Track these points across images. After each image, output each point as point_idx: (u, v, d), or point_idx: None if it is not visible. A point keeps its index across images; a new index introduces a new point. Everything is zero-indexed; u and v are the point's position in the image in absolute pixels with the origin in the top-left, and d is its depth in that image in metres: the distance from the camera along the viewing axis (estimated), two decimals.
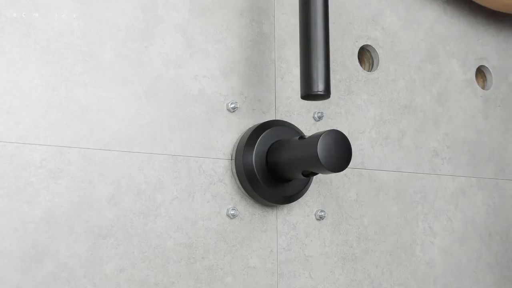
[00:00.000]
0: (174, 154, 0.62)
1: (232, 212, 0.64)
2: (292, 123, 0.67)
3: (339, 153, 0.58)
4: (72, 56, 0.58)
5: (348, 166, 0.58)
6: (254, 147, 0.63)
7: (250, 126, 0.66)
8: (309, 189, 0.67)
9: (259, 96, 0.67)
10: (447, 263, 0.78)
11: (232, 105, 0.65)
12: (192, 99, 0.63)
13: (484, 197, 0.82)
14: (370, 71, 0.76)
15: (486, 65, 0.85)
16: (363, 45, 0.76)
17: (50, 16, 0.58)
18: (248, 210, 0.65)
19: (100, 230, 0.57)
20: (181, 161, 0.62)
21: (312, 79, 0.57)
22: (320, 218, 0.69)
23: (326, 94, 0.56)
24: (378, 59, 0.76)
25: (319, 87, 0.57)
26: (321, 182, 0.69)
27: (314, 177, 0.68)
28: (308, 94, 0.57)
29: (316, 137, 0.57)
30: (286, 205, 0.67)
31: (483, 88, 0.85)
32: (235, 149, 0.64)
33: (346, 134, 0.59)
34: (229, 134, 0.65)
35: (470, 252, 0.80)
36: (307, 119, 0.69)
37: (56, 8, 0.58)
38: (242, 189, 0.64)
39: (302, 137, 0.61)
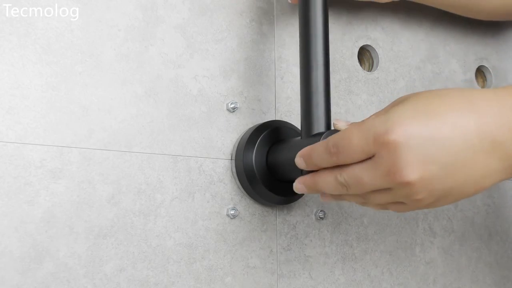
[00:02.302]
0: (174, 154, 0.62)
1: (232, 212, 0.64)
2: (292, 123, 0.67)
3: None
4: (72, 56, 0.58)
5: None
6: (254, 147, 0.63)
7: (250, 126, 0.66)
8: None
9: (259, 96, 0.67)
10: (447, 263, 0.78)
11: (232, 105, 0.65)
12: (192, 99, 0.63)
13: (484, 197, 0.82)
14: (370, 71, 0.76)
15: (486, 65, 0.85)
16: (363, 45, 0.76)
17: (50, 16, 0.58)
18: (248, 210, 0.65)
19: (100, 230, 0.57)
20: (181, 161, 0.62)
21: (312, 121, 0.58)
22: (320, 218, 0.69)
23: None
24: (378, 59, 0.76)
25: (320, 129, 0.58)
26: None
27: None
28: (308, 137, 0.59)
29: (316, 137, 0.57)
30: (286, 205, 0.67)
31: (483, 88, 0.85)
32: (235, 149, 0.64)
33: None
34: (229, 134, 0.65)
35: (470, 252, 0.80)
36: None
37: (56, 8, 0.58)
38: (242, 189, 0.64)
39: (301, 137, 0.61)
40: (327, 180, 0.54)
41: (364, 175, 0.51)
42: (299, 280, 0.67)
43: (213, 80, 0.65)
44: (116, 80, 0.60)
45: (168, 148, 0.61)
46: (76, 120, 0.57)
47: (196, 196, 0.62)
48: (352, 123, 0.54)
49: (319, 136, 0.57)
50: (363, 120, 0.52)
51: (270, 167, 0.63)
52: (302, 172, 0.61)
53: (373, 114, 0.52)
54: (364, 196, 0.53)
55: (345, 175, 0.52)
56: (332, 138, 0.52)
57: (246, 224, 0.65)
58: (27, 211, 0.54)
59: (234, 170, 0.64)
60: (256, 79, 0.67)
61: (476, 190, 0.51)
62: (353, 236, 0.71)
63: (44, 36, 0.57)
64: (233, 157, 0.64)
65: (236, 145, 0.64)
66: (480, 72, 0.85)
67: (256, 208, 0.66)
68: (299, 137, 0.61)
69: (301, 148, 0.59)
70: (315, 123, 0.58)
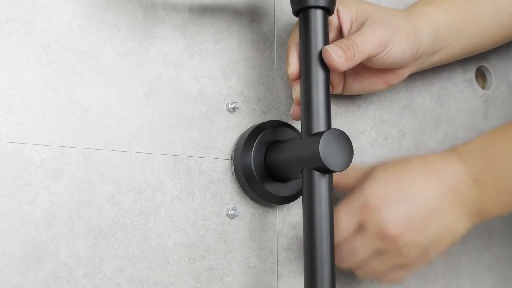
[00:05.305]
0: (174, 154, 0.62)
1: (232, 212, 0.64)
2: (293, 123, 0.67)
3: (340, 152, 0.58)
4: (72, 56, 0.58)
5: (348, 166, 0.58)
6: (252, 147, 0.63)
7: (250, 126, 0.66)
8: None
9: (259, 96, 0.67)
10: (447, 263, 0.78)
11: (232, 105, 0.65)
12: (192, 99, 0.63)
13: None
14: None
15: (486, 65, 0.85)
16: None
17: (50, 16, 0.58)
18: (248, 210, 0.65)
19: (100, 230, 0.57)
20: (181, 161, 0.62)
21: (312, 121, 0.58)
22: None
23: None
24: None
25: (320, 129, 0.58)
26: None
27: None
28: (308, 136, 0.59)
29: (317, 136, 0.57)
30: (286, 205, 0.67)
31: (483, 88, 0.85)
32: (234, 149, 0.64)
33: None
34: (229, 134, 0.65)
35: (470, 252, 0.80)
36: None
37: (56, 8, 0.58)
38: (242, 189, 0.64)
39: (301, 137, 0.61)
40: None
41: (356, 245, 0.61)
42: (299, 280, 0.67)
43: (213, 80, 0.65)
44: (116, 80, 0.60)
45: (168, 148, 0.61)
46: (76, 120, 0.57)
47: (196, 196, 0.62)
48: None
49: (319, 135, 0.57)
50: (343, 202, 0.62)
51: (269, 167, 0.63)
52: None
53: (348, 195, 0.63)
54: (362, 266, 0.62)
55: (339, 252, 0.62)
56: None
57: (246, 224, 0.65)
58: (27, 211, 0.54)
59: (233, 170, 0.64)
60: (256, 79, 0.67)
61: (452, 240, 0.62)
62: None
63: (44, 36, 0.57)
64: (233, 157, 0.64)
65: (235, 145, 0.64)
66: (480, 72, 0.85)
67: (256, 208, 0.66)
68: (299, 137, 0.61)
69: (300, 147, 0.59)
70: (315, 122, 0.58)
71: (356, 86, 0.68)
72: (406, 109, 0.77)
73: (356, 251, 0.62)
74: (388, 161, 0.64)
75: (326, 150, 0.57)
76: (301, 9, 0.60)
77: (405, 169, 0.61)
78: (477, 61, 0.84)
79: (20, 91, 0.55)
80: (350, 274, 0.70)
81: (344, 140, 0.58)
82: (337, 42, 0.60)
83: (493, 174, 0.59)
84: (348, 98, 0.73)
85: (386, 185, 0.60)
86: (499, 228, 0.83)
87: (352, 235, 0.62)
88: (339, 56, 0.59)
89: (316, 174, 0.57)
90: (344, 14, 0.64)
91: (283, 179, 0.64)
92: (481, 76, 0.86)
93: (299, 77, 0.61)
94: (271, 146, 0.63)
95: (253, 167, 0.62)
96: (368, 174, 0.63)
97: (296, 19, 0.63)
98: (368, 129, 0.73)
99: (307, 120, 0.59)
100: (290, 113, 0.63)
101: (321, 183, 0.57)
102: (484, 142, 0.61)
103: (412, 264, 0.62)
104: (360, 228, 0.61)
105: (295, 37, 0.63)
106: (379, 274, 0.63)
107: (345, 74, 0.68)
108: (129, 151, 0.60)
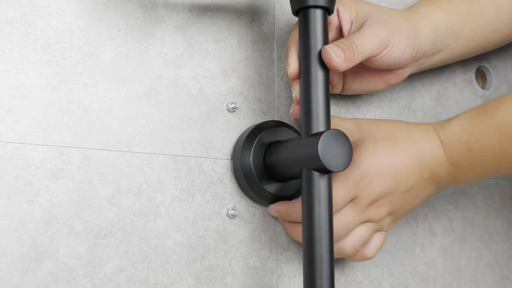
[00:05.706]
0: (174, 154, 0.62)
1: (232, 212, 0.64)
2: (293, 123, 0.67)
3: (339, 152, 0.58)
4: (72, 56, 0.58)
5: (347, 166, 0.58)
6: (252, 147, 0.63)
7: (250, 126, 0.66)
8: None
9: (259, 96, 0.67)
10: (447, 263, 0.78)
11: (232, 105, 0.65)
12: (192, 99, 0.63)
13: (484, 197, 0.82)
14: None
15: (486, 65, 0.85)
16: None
17: (50, 16, 0.58)
18: (248, 210, 0.65)
19: (100, 230, 0.57)
20: (181, 161, 0.62)
21: (312, 121, 0.58)
22: None
23: None
24: None
25: (319, 129, 0.58)
26: None
27: None
28: (308, 136, 0.59)
29: (317, 136, 0.57)
30: None
31: (483, 88, 0.85)
32: (233, 149, 0.64)
33: None
34: (229, 134, 0.65)
35: (470, 252, 0.80)
36: None
37: (56, 8, 0.58)
38: (241, 189, 0.64)
39: (301, 137, 0.61)
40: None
41: (349, 217, 0.62)
42: (299, 280, 0.67)
43: (213, 80, 0.65)
44: (116, 80, 0.60)
45: (168, 148, 0.62)
46: (76, 120, 0.58)
47: (196, 196, 0.62)
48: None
49: (318, 135, 0.57)
50: (337, 176, 0.63)
51: (268, 167, 0.63)
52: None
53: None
54: (349, 237, 0.63)
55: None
56: None
57: (246, 224, 0.65)
58: (27, 211, 0.54)
59: (232, 170, 0.64)
60: (256, 79, 0.67)
61: (416, 206, 0.68)
62: None
63: (44, 36, 0.57)
64: (232, 157, 0.64)
65: (235, 145, 0.64)
66: (480, 72, 0.85)
67: (256, 208, 0.66)
68: (298, 137, 0.61)
69: (300, 148, 0.59)
70: (314, 122, 0.58)
71: (356, 86, 0.68)
72: (406, 109, 0.77)
73: (348, 224, 0.62)
74: (375, 127, 0.66)
75: (325, 150, 0.57)
76: (300, 9, 0.60)
77: (395, 147, 0.64)
78: (477, 61, 0.84)
79: (20, 91, 0.55)
80: (350, 274, 0.71)
81: (343, 140, 0.58)
82: (336, 42, 0.60)
83: (468, 159, 0.64)
84: (348, 98, 0.73)
85: (378, 160, 0.63)
86: (499, 228, 0.83)
87: (341, 211, 0.62)
88: (339, 56, 0.59)
89: (315, 174, 0.57)
90: (344, 14, 0.64)
91: (282, 179, 0.64)
92: (481, 76, 0.86)
93: (298, 77, 0.61)
94: (270, 146, 0.63)
95: (252, 167, 0.62)
96: (359, 144, 0.64)
97: (296, 19, 0.63)
98: None
99: (307, 120, 0.59)
100: (290, 113, 0.64)
101: (320, 183, 0.57)
102: (463, 130, 0.64)
103: (387, 228, 0.66)
104: (353, 200, 0.63)
105: (295, 36, 0.63)
106: (364, 243, 0.65)
107: (344, 74, 0.68)
108: (129, 151, 0.60)
